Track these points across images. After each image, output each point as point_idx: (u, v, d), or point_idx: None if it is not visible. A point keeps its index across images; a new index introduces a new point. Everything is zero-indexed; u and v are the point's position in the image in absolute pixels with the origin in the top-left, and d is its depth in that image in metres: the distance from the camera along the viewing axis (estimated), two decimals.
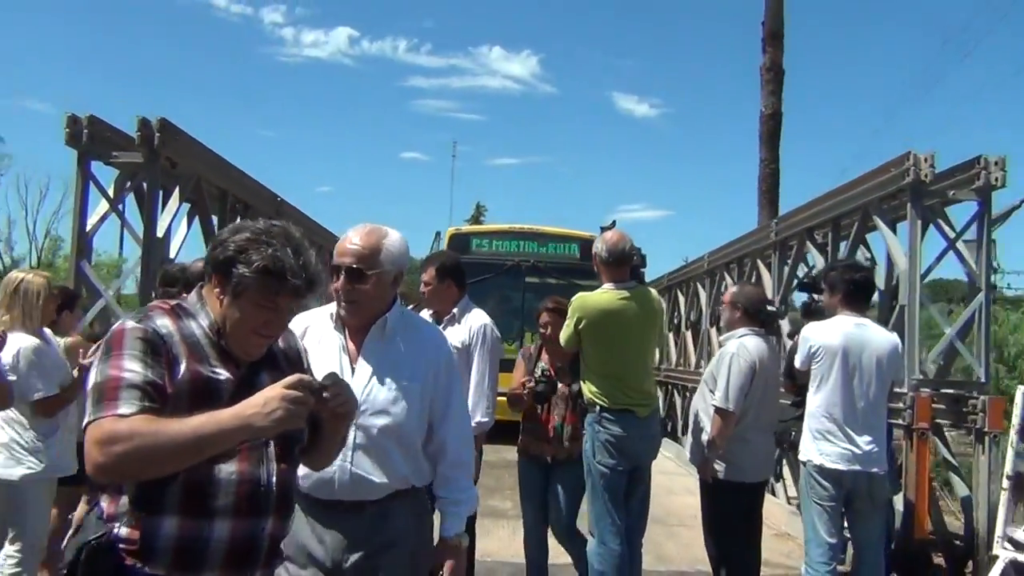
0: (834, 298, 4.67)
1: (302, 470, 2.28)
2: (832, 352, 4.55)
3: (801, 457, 4.72)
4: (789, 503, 7.60)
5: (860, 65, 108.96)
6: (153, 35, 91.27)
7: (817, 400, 4.58)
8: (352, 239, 2.53)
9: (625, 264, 4.51)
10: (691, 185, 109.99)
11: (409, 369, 2.53)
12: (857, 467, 4.47)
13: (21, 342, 3.88)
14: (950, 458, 6.61)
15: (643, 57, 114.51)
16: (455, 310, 4.48)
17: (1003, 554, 5.82)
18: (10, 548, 3.92)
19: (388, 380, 2.50)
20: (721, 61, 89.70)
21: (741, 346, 4.71)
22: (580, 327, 4.48)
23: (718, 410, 4.66)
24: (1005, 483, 5.95)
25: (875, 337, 4.52)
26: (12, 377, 3.79)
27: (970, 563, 6.14)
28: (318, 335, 2.60)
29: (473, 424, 4.34)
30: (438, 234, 14.14)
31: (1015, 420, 5.96)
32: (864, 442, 4.49)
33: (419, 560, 2.54)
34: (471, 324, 4.46)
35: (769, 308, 5.34)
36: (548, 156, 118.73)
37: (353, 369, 2.53)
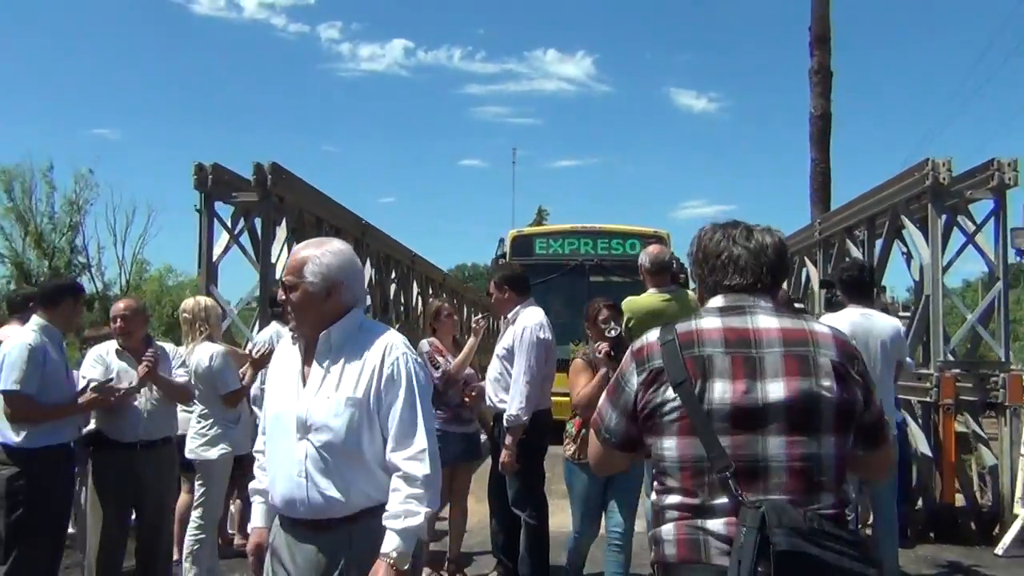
0: (843, 294, 5.49)
1: (271, 488, 2.55)
2: None
3: None
4: None
5: (913, 63, 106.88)
6: (215, 57, 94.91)
7: None
8: (292, 254, 2.63)
9: (665, 272, 5.38)
10: (752, 179, 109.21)
11: (351, 383, 2.47)
12: None
13: (213, 349, 5.00)
14: (979, 431, 7.31)
15: (699, 51, 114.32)
16: (511, 314, 5.36)
17: (1022, 512, 6.56)
18: (194, 514, 5.05)
19: (330, 395, 2.47)
20: (777, 52, 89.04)
21: None
22: (630, 325, 5.20)
23: None
24: (1023, 450, 6.69)
25: (879, 324, 5.25)
26: (189, 379, 4.92)
27: (997, 526, 6.85)
28: (284, 350, 2.70)
29: (508, 416, 5.17)
30: (501, 240, 13.74)
31: None
32: None
33: None
34: (518, 325, 5.25)
35: (796, 305, 6.17)
36: (608, 156, 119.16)
37: (305, 384, 2.54)
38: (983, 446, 7.23)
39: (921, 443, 7.12)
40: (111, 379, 4.56)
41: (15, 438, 4.32)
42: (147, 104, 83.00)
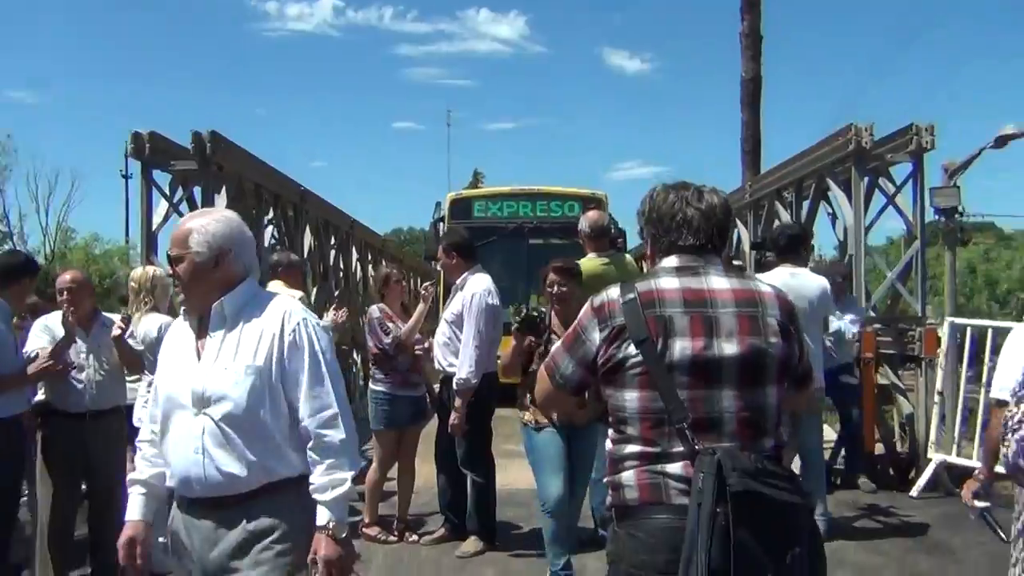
0: (777, 255, 5.79)
1: (172, 470, 2.47)
2: None
3: None
4: None
5: (840, 24, 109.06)
6: (135, 16, 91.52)
7: None
8: (178, 226, 2.57)
9: (604, 236, 5.60)
10: (685, 140, 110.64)
11: (250, 351, 2.41)
12: None
13: (162, 320, 5.02)
14: (898, 382, 7.75)
15: (632, 12, 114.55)
16: (459, 280, 5.52)
17: (935, 456, 7.03)
18: None
19: (227, 365, 2.40)
20: (709, 13, 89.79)
21: None
22: None
23: None
24: (936, 398, 7.14)
25: (806, 283, 5.54)
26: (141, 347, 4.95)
27: (913, 471, 7.32)
28: (177, 329, 2.63)
29: (458, 379, 5.33)
30: (438, 204, 13.63)
31: (943, 346, 7.15)
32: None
33: (299, 558, 2.41)
34: (467, 291, 5.41)
35: (735, 263, 6.48)
36: (543, 118, 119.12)
37: (200, 358, 2.47)
38: (902, 397, 7.68)
39: None
40: (58, 344, 4.57)
41: None
42: (65, 66, 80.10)
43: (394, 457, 5.94)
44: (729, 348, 2.16)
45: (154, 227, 7.80)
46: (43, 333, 4.75)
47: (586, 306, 2.34)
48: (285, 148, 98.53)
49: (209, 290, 2.46)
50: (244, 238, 2.56)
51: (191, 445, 2.41)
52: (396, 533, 5.87)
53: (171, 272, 2.53)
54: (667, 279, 2.25)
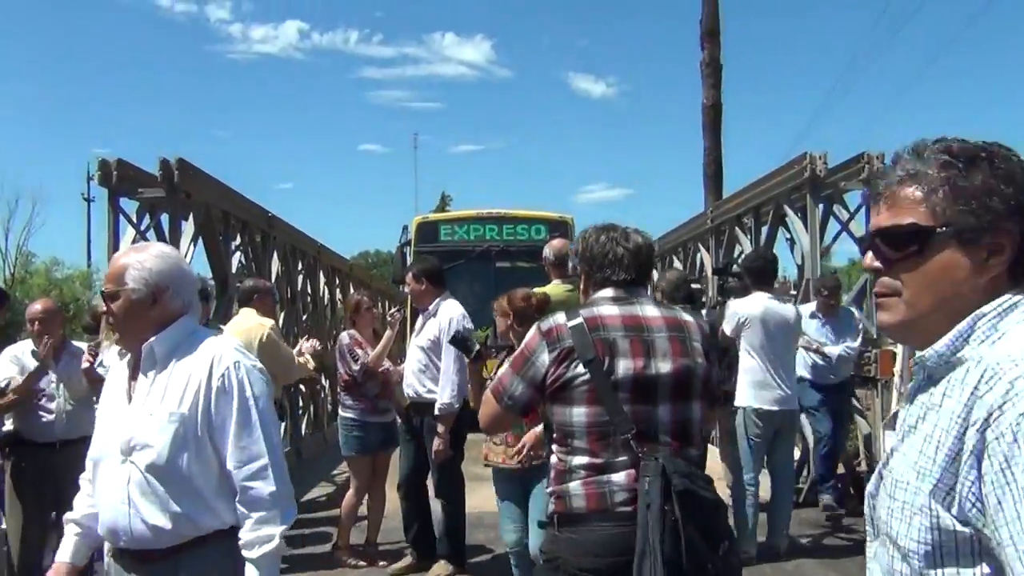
0: (750, 281, 6.06)
1: (98, 516, 2.34)
2: (756, 321, 5.91)
3: (739, 404, 6.03)
4: None
5: (797, 53, 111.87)
6: (96, 37, 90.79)
7: (750, 359, 5.94)
8: (111, 262, 2.45)
9: (562, 265, 5.75)
10: (651, 162, 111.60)
11: (176, 397, 2.27)
12: (784, 407, 5.94)
13: None
14: (856, 403, 7.97)
15: (596, 36, 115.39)
16: (431, 306, 5.57)
17: None
18: None
19: (153, 411, 2.27)
20: (671, 37, 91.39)
21: None
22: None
23: None
24: (890, 419, 7.35)
25: (781, 309, 5.96)
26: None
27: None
28: (116, 368, 2.51)
29: (441, 405, 5.37)
30: (405, 227, 13.50)
31: (898, 367, 7.37)
32: (785, 388, 5.94)
33: None
34: (442, 318, 5.47)
35: (693, 286, 6.65)
36: (509, 140, 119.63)
37: (130, 401, 2.35)
38: (860, 417, 7.90)
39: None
40: (31, 374, 4.61)
41: None
42: (22, 87, 78.99)
43: (369, 482, 5.99)
44: (664, 367, 2.49)
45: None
46: (12, 363, 4.79)
47: (533, 331, 2.59)
48: (250, 170, 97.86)
49: (144, 329, 2.34)
50: (183, 275, 2.46)
51: (117, 495, 2.28)
52: (366, 559, 5.92)
53: (104, 310, 2.42)
54: (607, 307, 2.56)
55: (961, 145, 1.27)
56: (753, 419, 5.94)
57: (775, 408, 5.92)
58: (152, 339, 2.32)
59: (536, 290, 5.70)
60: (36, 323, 4.73)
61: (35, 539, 4.80)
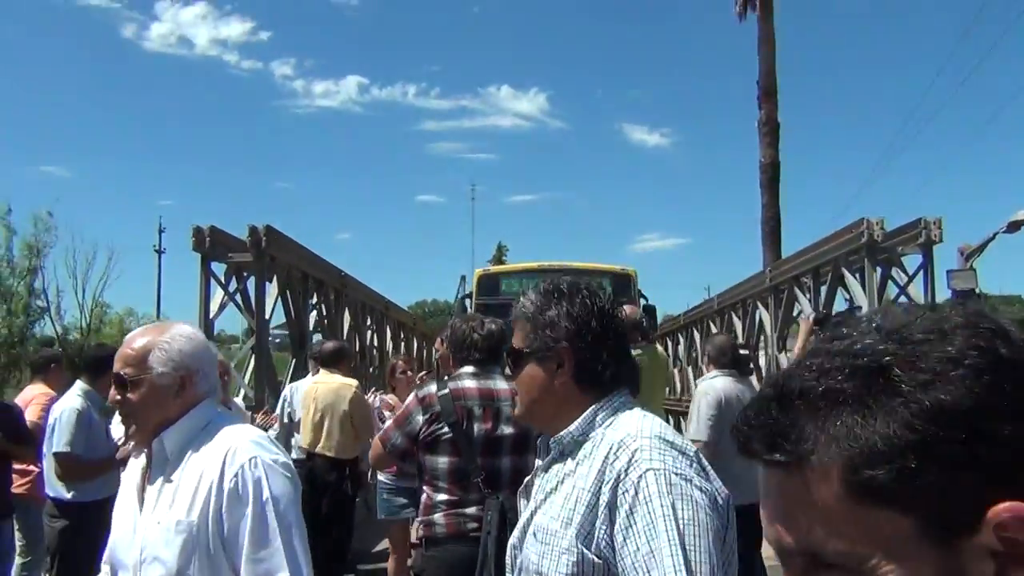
0: None
1: None
2: None
3: None
4: None
5: (855, 110, 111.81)
6: (166, 94, 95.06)
7: None
8: (126, 343, 2.14)
9: (636, 329, 6.07)
10: (706, 211, 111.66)
11: (185, 502, 1.97)
12: None
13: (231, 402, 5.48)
14: None
15: (650, 87, 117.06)
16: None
17: None
18: None
19: (161, 519, 1.99)
20: (726, 88, 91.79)
21: (709, 385, 5.72)
22: None
23: (694, 442, 5.90)
24: None
25: None
26: None
27: None
28: (131, 467, 2.22)
29: None
30: (464, 278, 13.75)
31: None
32: None
33: None
34: None
35: (741, 352, 6.78)
36: (564, 191, 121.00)
37: (141, 507, 2.07)
38: None
39: None
40: None
41: (66, 494, 4.83)
42: (98, 142, 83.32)
43: (407, 546, 5.82)
44: (507, 430, 3.30)
45: (211, 315, 8.38)
46: (121, 425, 5.24)
47: (412, 396, 3.47)
48: (310, 221, 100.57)
49: (164, 420, 2.06)
50: (211, 357, 2.22)
51: None
52: None
53: (115, 398, 2.11)
54: (468, 381, 3.39)
55: (548, 286, 1.81)
56: None
57: None
58: (162, 434, 2.04)
59: None
60: None
61: None
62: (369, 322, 13.55)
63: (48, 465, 4.89)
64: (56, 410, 4.91)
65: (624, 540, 1.51)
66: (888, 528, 0.63)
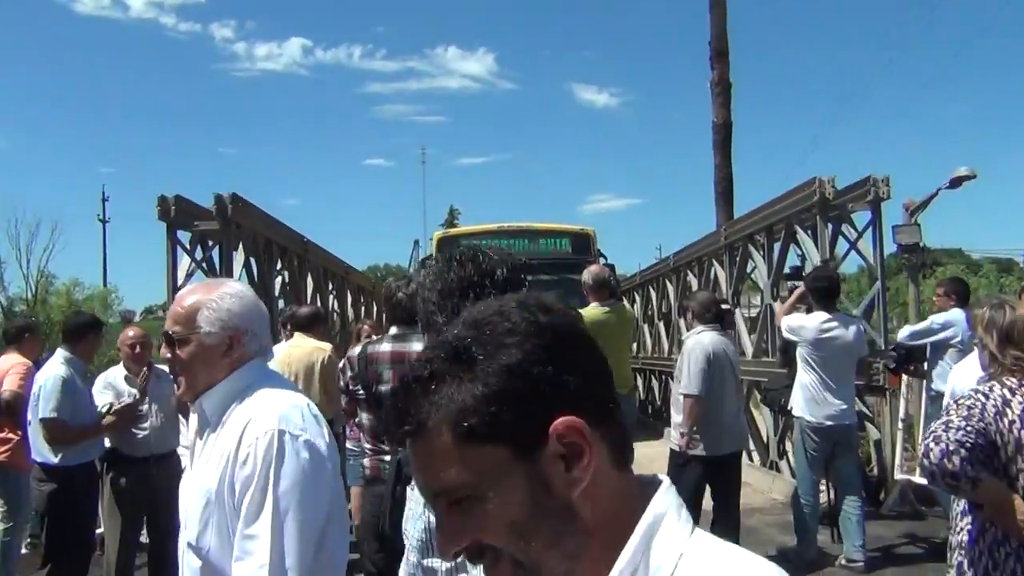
0: (813, 300, 6.46)
1: None
2: (815, 339, 6.23)
3: (796, 415, 6.40)
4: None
5: (806, 71, 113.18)
6: (102, 58, 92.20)
7: (805, 374, 6.28)
8: (177, 301, 2.15)
9: (605, 288, 6.29)
10: (657, 172, 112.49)
11: (212, 468, 1.96)
12: (839, 422, 6.24)
13: None
14: (866, 410, 8.48)
15: (599, 47, 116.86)
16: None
17: (900, 477, 7.75)
18: None
19: (197, 479, 2.00)
20: (678, 45, 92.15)
21: (696, 341, 5.89)
22: None
23: (686, 396, 5.77)
24: (900, 424, 7.88)
25: (844, 328, 6.27)
26: None
27: (883, 491, 8.03)
28: (192, 422, 2.23)
29: None
30: (416, 243, 13.71)
31: (905, 377, 7.89)
32: (841, 403, 6.24)
33: None
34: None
35: (723, 307, 6.97)
36: (515, 153, 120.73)
37: (191, 466, 2.11)
38: (869, 424, 8.41)
39: None
40: (134, 401, 5.17)
41: (53, 458, 4.94)
42: (33, 110, 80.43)
43: None
44: None
45: (179, 283, 8.40)
46: (107, 390, 5.34)
47: (346, 357, 3.99)
48: (256, 186, 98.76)
49: (213, 379, 2.04)
50: (262, 315, 2.18)
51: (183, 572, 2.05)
52: None
53: (166, 355, 2.11)
54: (385, 344, 3.74)
55: None
56: (809, 433, 6.24)
57: (830, 423, 6.19)
58: (202, 396, 2.04)
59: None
60: (139, 347, 5.28)
61: (130, 542, 5.35)
62: (331, 287, 13.62)
63: (35, 431, 4.99)
64: (40, 378, 5.01)
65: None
66: (489, 459, 0.89)
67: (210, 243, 8.77)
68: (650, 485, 0.99)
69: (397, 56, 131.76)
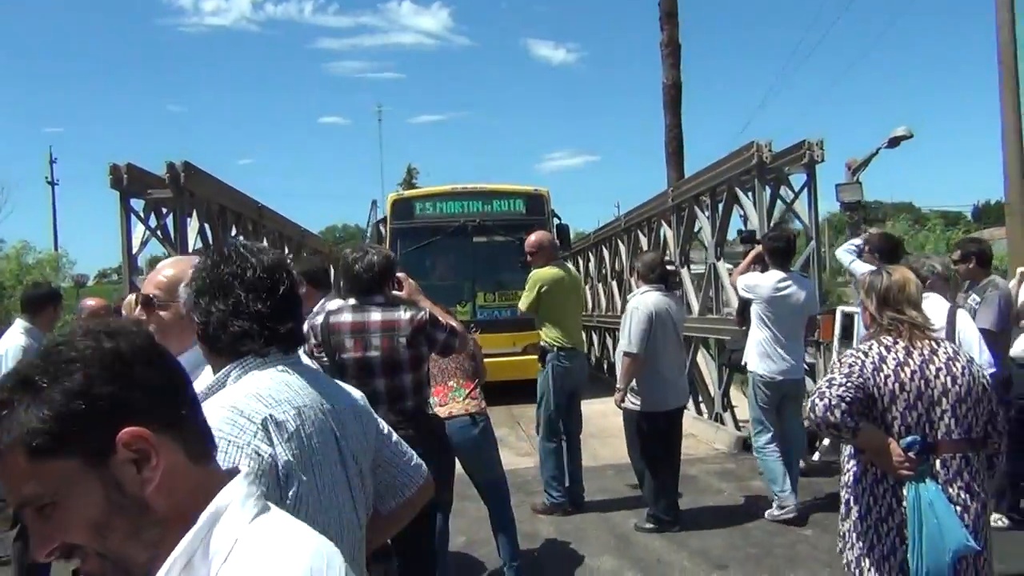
0: (769, 259, 6.66)
1: None
2: (769, 297, 6.48)
3: (750, 370, 6.67)
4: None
5: (752, 33, 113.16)
6: (39, 16, 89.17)
7: (759, 331, 6.55)
8: (157, 270, 2.36)
9: (555, 249, 6.64)
10: (614, 129, 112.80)
11: None
12: (789, 377, 6.56)
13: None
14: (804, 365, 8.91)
15: (554, 2, 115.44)
16: (315, 308, 5.03)
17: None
18: None
19: None
20: (633, 5, 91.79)
21: (640, 301, 6.15)
22: (543, 291, 6.47)
23: (625, 353, 6.13)
24: None
25: (797, 287, 6.52)
26: None
27: (818, 441, 8.48)
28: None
29: None
30: (374, 203, 14.28)
31: (837, 331, 8.31)
32: (791, 359, 6.56)
33: None
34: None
35: (668, 267, 7.19)
36: (472, 110, 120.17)
37: None
38: (808, 378, 8.85)
39: None
40: None
41: None
42: None
43: None
44: (375, 355, 3.69)
45: (134, 251, 8.52)
46: None
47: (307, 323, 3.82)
48: (208, 146, 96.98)
49: (183, 346, 2.16)
50: None
51: None
52: None
53: (141, 315, 2.26)
54: (345, 315, 3.79)
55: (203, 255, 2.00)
56: (761, 387, 6.53)
57: (780, 377, 6.49)
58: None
59: (536, 272, 6.55)
60: (96, 317, 5.45)
61: None
62: (287, 251, 13.73)
63: None
64: (1, 348, 5.16)
65: None
66: (61, 471, 1.04)
67: (164, 211, 8.85)
68: (229, 476, 1.15)
69: (349, 11, 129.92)
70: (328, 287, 5.33)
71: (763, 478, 6.68)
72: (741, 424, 9.37)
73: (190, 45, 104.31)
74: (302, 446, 1.66)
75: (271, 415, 1.65)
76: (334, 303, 5.40)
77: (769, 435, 6.52)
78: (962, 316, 4.62)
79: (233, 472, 1.17)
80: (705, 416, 10.35)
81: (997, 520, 5.75)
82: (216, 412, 1.59)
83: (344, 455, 1.79)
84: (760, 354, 6.54)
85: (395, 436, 2.11)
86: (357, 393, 2.04)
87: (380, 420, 2.09)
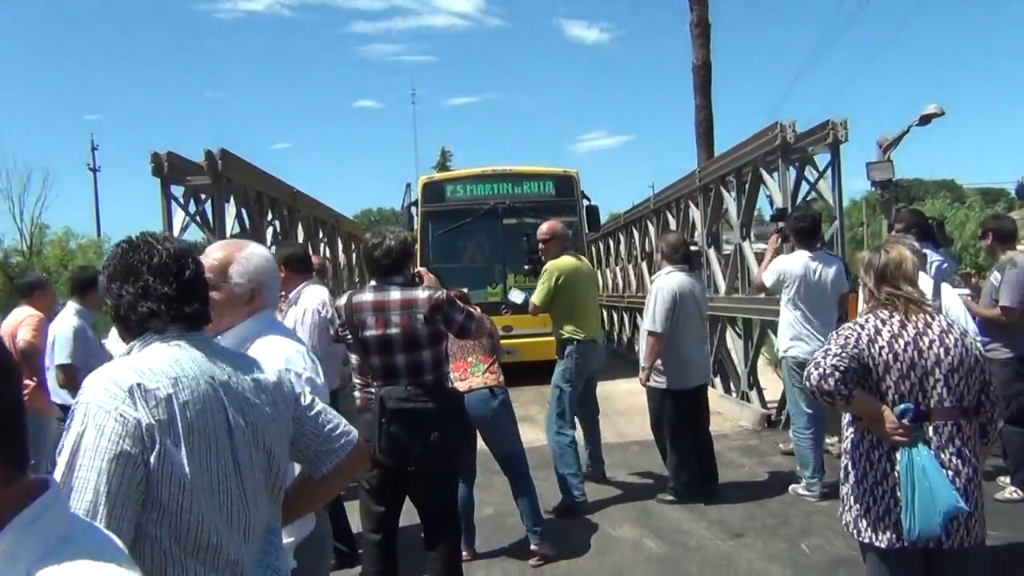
0: (795, 239, 6.65)
1: None
2: (798, 278, 6.34)
3: (783, 354, 6.56)
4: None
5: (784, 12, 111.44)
6: (80, 2, 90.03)
7: (789, 312, 6.41)
8: (207, 253, 2.49)
9: (567, 240, 6.74)
10: (649, 108, 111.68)
11: None
12: None
13: None
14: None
15: None
16: (292, 294, 4.99)
17: None
18: None
19: None
20: None
21: (664, 281, 6.23)
22: (560, 282, 6.33)
23: (650, 333, 6.23)
24: None
25: (825, 266, 6.41)
26: None
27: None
28: None
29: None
30: (408, 186, 14.19)
31: (862, 308, 8.38)
32: (821, 340, 6.08)
33: None
34: (300, 307, 4.96)
35: (692, 247, 7.18)
36: (506, 92, 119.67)
37: None
38: None
39: None
40: None
41: (71, 400, 5.44)
42: (13, 59, 79.16)
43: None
44: (395, 331, 3.92)
45: (176, 236, 8.86)
46: (119, 341, 5.83)
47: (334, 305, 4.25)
48: (244, 132, 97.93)
49: (233, 322, 2.42)
50: (276, 275, 2.62)
51: None
52: None
53: None
54: (367, 294, 4.01)
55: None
56: (795, 369, 6.26)
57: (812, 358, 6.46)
58: (221, 335, 2.35)
59: (552, 263, 6.52)
60: None
61: None
62: (321, 234, 14.06)
63: (52, 376, 5.51)
64: (55, 328, 5.52)
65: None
66: None
67: (203, 197, 9.19)
68: (33, 500, 1.04)
69: None
70: (307, 272, 5.22)
71: (795, 460, 6.71)
72: (769, 404, 9.52)
73: (226, 31, 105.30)
74: (171, 412, 1.74)
75: (139, 383, 1.73)
76: (313, 287, 5.31)
77: (806, 418, 6.35)
78: (947, 290, 4.78)
79: (39, 492, 1.08)
80: (733, 395, 10.49)
81: (1013, 492, 5.87)
82: (98, 382, 1.72)
83: (233, 424, 1.86)
84: (792, 336, 6.43)
85: (318, 407, 2.18)
86: (270, 370, 2.09)
87: (305, 396, 2.17)
